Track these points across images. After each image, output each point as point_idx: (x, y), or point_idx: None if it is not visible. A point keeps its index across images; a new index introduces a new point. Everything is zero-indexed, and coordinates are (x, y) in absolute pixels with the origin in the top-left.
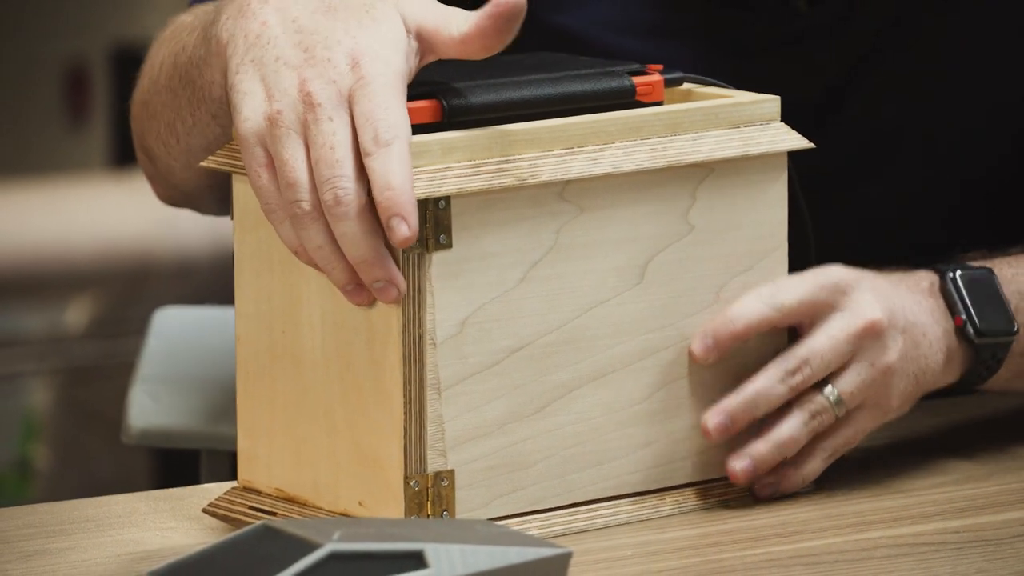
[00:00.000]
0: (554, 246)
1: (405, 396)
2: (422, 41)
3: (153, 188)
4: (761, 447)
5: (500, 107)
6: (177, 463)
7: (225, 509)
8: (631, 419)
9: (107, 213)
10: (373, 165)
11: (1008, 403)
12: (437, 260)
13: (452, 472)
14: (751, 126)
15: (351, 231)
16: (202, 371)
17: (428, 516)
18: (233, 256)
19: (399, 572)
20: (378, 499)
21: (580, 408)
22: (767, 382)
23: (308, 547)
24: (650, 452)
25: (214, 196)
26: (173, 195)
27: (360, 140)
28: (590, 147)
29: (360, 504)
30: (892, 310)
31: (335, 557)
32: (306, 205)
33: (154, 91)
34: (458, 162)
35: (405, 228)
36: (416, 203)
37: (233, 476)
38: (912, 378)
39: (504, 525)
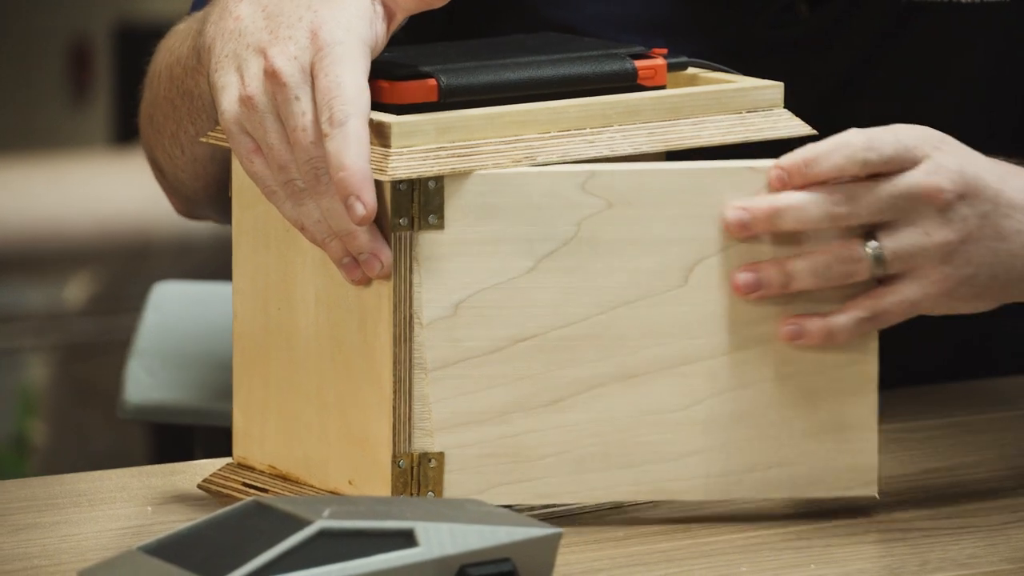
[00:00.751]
0: (574, 238)
1: (395, 376)
2: (386, 3)
3: (171, 202)
4: (769, 266)
5: (498, 88)
6: (174, 439)
7: (219, 485)
8: (671, 424)
9: (108, 189)
10: (328, 147)
11: (1000, 391)
12: (426, 240)
13: (441, 455)
14: (753, 112)
15: (333, 205)
16: (199, 347)
17: (416, 496)
18: (232, 233)
19: (389, 550)
20: (366, 478)
21: (604, 407)
22: (804, 196)
23: (298, 524)
24: (697, 461)
25: (225, 204)
26: (188, 207)
27: (320, 122)
28: (588, 130)
29: (349, 482)
30: (970, 186)
31: (325, 534)
32: (300, 183)
33: (155, 104)
34: (452, 142)
35: (360, 207)
36: (371, 179)
37: (228, 452)
38: (986, 270)
39: (494, 505)
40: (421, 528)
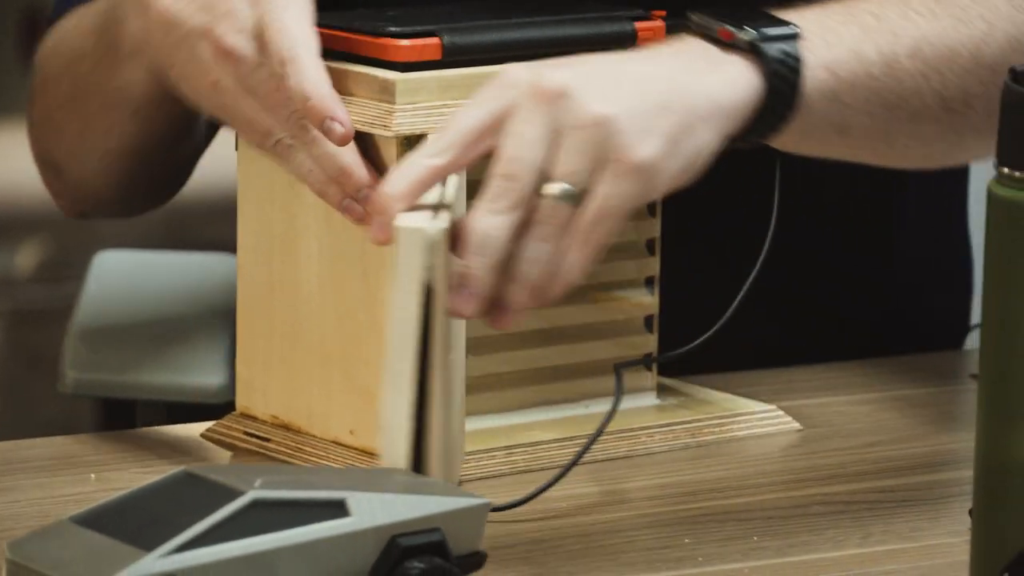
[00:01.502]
0: None
1: None
2: None
3: (59, 204)
4: (516, 294)
5: (500, 47)
6: (122, 408)
7: (222, 434)
8: None
9: None
10: (288, 84)
11: (943, 364)
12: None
13: None
14: None
15: (324, 151)
16: (140, 318)
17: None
18: (237, 187)
19: (321, 520)
20: (368, 428)
21: None
22: (482, 218)
23: (231, 494)
24: None
25: (127, 194)
26: (82, 206)
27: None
28: None
29: (351, 432)
30: (557, 66)
31: (257, 504)
32: (287, 139)
33: (55, 106)
34: (455, 100)
35: (338, 125)
36: (339, 98)
37: (167, 422)
38: (655, 110)
39: (426, 476)
40: (353, 498)
